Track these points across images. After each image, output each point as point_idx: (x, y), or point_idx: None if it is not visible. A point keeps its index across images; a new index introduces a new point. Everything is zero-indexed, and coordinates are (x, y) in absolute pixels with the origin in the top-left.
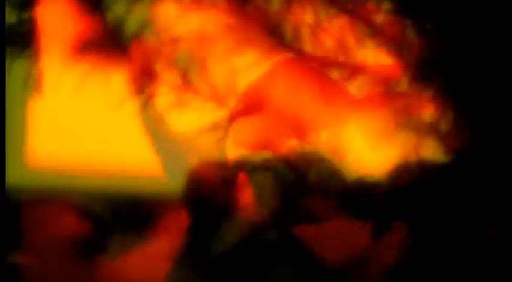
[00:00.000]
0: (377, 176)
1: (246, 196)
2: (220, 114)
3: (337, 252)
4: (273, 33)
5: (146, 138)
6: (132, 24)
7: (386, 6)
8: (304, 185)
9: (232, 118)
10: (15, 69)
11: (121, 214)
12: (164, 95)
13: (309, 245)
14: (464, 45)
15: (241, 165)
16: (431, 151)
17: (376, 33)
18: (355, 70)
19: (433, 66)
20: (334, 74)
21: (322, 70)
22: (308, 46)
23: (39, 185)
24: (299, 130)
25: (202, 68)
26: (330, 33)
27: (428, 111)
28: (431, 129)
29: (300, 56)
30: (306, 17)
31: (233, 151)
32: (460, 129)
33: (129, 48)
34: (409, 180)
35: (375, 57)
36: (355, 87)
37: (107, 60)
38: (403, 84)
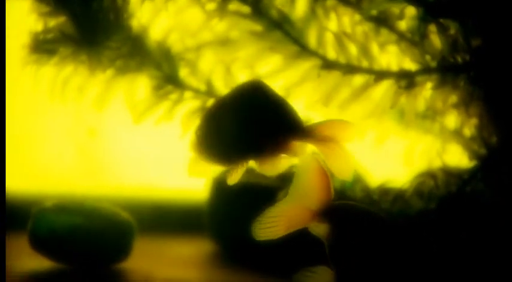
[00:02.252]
0: (400, 183)
1: None
2: None
3: None
4: (297, 40)
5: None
6: (156, 30)
7: (410, 12)
8: None
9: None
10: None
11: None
12: (188, 101)
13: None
14: (489, 50)
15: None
16: (456, 157)
17: (400, 39)
18: (379, 76)
19: (457, 72)
20: (359, 80)
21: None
22: (332, 53)
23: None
24: None
25: (227, 74)
26: (354, 40)
27: (452, 117)
28: (456, 135)
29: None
30: (330, 23)
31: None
32: (485, 135)
33: (153, 54)
34: (433, 186)
35: (399, 63)
36: (380, 93)
37: (132, 67)
38: (427, 90)
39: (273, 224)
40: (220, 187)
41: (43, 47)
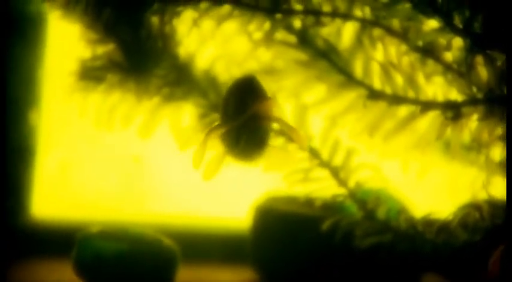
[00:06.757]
0: (445, 214)
1: None
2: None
3: None
4: (343, 70)
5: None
6: (203, 59)
7: (457, 43)
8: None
9: None
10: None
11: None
12: None
13: None
14: None
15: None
16: (501, 189)
17: (446, 69)
18: (425, 107)
19: (503, 103)
20: (404, 111)
21: None
22: (378, 83)
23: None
24: None
25: None
26: (400, 70)
27: (498, 149)
28: (501, 167)
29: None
30: (377, 53)
31: None
32: None
33: (199, 83)
34: (478, 218)
35: (445, 93)
36: (426, 124)
37: (178, 95)
38: (473, 121)
39: None
40: (263, 215)
41: (91, 74)
